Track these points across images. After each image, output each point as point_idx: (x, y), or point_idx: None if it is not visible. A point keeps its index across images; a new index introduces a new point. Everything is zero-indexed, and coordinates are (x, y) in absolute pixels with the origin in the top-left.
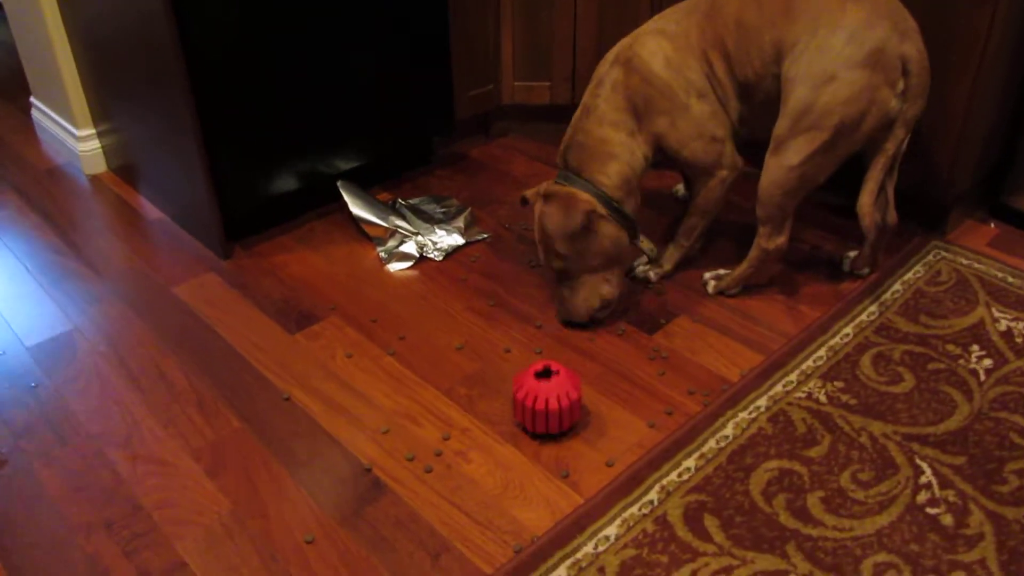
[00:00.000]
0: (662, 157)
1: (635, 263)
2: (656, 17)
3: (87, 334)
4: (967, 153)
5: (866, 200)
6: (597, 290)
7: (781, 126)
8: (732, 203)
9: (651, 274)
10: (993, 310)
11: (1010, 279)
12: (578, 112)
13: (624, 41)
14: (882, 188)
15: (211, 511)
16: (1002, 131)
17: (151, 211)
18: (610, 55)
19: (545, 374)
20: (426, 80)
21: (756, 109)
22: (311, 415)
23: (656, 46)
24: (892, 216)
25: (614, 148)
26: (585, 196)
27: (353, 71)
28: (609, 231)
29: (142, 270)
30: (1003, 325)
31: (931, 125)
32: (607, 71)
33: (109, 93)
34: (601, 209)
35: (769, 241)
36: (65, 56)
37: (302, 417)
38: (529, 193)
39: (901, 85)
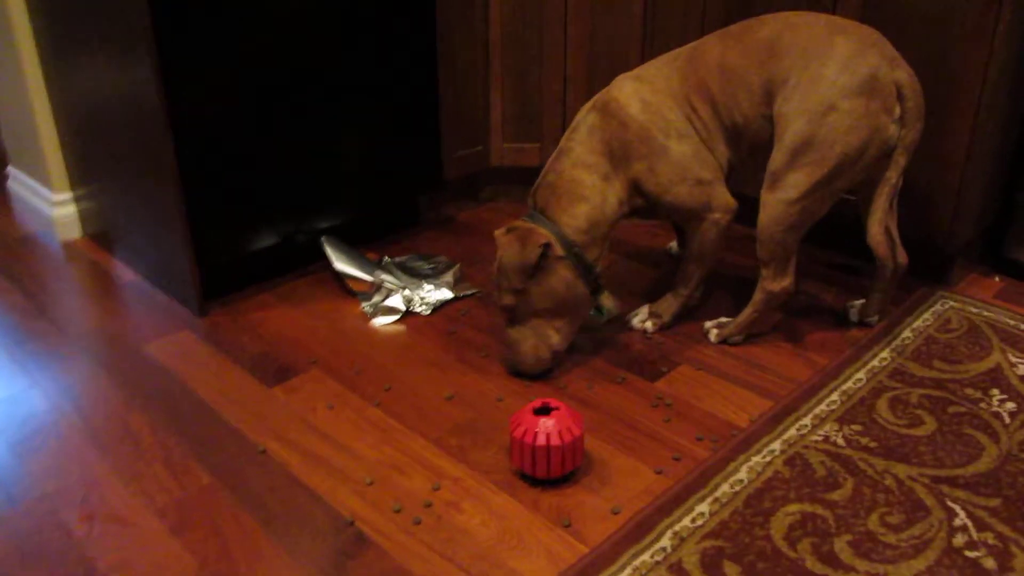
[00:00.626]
0: (645, 207)
1: (631, 314)
2: (637, 67)
3: (48, 392)
4: (968, 203)
5: (876, 230)
6: (547, 339)
7: (777, 160)
8: (728, 260)
9: (648, 325)
10: (1009, 355)
11: (1023, 326)
12: (553, 155)
13: (611, 84)
14: (886, 229)
15: (174, 571)
16: (1000, 184)
17: (125, 273)
18: (588, 103)
19: (544, 411)
20: (414, 138)
21: (744, 155)
22: (288, 468)
23: (633, 90)
24: (902, 255)
25: (584, 190)
26: (544, 232)
27: (340, 129)
28: (563, 274)
29: (112, 329)
30: (1021, 370)
31: (931, 174)
32: (584, 116)
33: (89, 157)
34: (559, 250)
35: (774, 283)
36: (46, 121)
37: (278, 471)
38: (497, 232)
39: (898, 111)
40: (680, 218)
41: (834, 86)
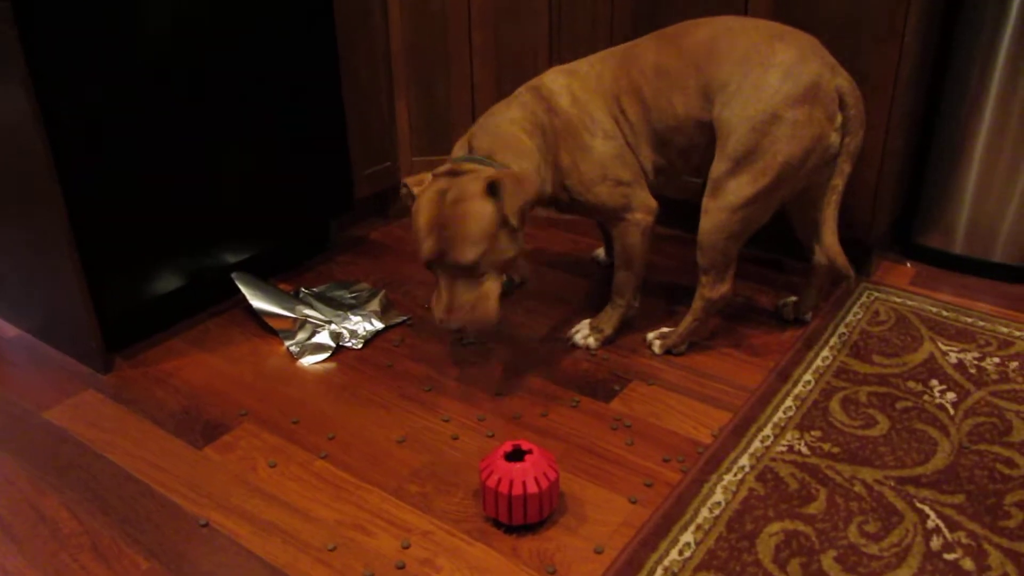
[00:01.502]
0: (566, 200)
1: (572, 331)
2: (570, 63)
3: None
4: (884, 196)
5: (831, 240)
6: (494, 293)
7: (719, 168)
8: (657, 264)
9: (591, 341)
10: (939, 344)
11: (944, 312)
12: (484, 116)
13: (536, 78)
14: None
15: None
16: (909, 173)
17: (6, 329)
18: (524, 86)
19: (516, 455)
20: (320, 159)
21: (675, 157)
22: (237, 540)
23: (565, 82)
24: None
25: (526, 150)
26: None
27: (243, 156)
28: (520, 232)
29: (1, 395)
30: (953, 358)
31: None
32: (516, 94)
33: None
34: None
35: (713, 290)
36: None
37: (227, 544)
38: (412, 180)
39: (840, 119)
40: (601, 217)
41: (777, 94)
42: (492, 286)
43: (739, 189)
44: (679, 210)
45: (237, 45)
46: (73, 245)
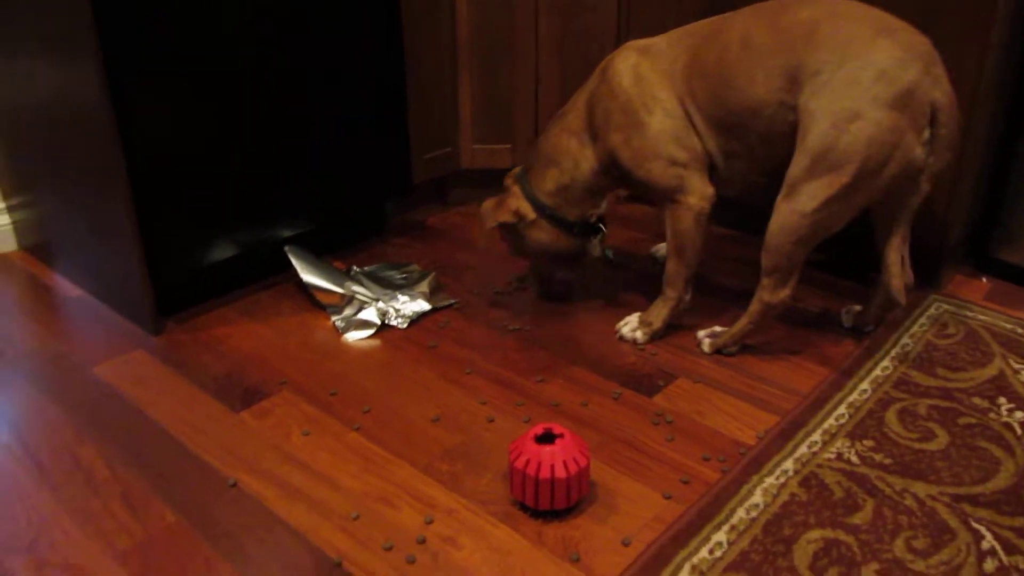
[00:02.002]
0: (619, 178)
1: (620, 324)
2: (651, 38)
3: None
4: (959, 203)
5: (893, 259)
6: (552, 277)
7: (797, 166)
8: (716, 265)
9: (638, 334)
10: (1011, 362)
11: (1019, 330)
12: (557, 114)
13: (622, 46)
14: (900, 256)
15: None
16: (986, 185)
17: (68, 289)
18: (607, 58)
19: (547, 438)
20: (381, 142)
21: (754, 142)
22: (263, 502)
23: (633, 63)
24: (908, 275)
25: (559, 156)
26: (512, 204)
27: (303, 133)
28: (537, 235)
29: (56, 350)
30: None
31: None
32: (590, 78)
33: (25, 164)
34: (530, 214)
35: (773, 294)
36: None
37: (252, 506)
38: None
39: (927, 133)
40: (653, 196)
41: (867, 93)
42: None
43: (815, 191)
44: (743, 211)
45: (305, 25)
46: (133, 214)
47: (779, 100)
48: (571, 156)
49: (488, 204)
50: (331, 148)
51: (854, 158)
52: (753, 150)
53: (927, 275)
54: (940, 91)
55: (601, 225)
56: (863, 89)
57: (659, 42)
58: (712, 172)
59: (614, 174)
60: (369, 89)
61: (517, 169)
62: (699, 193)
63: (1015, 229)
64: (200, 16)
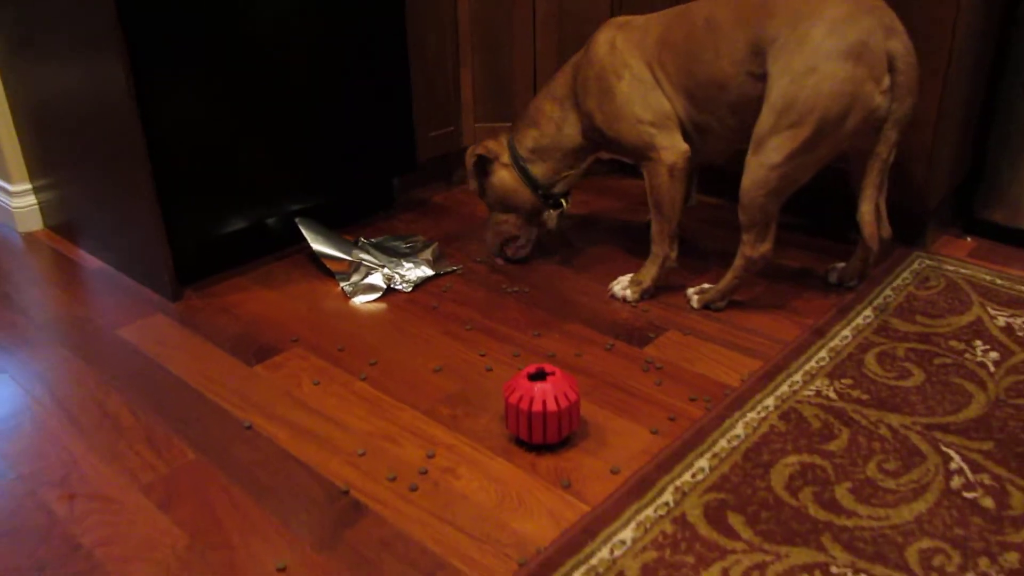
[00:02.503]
0: (600, 140)
1: (612, 283)
2: (633, 16)
3: (18, 378)
4: (940, 163)
5: (866, 208)
6: (500, 228)
7: (762, 123)
8: (706, 230)
9: (628, 292)
10: (988, 308)
11: (998, 280)
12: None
13: (606, 22)
14: (875, 206)
15: (164, 545)
16: (969, 144)
17: (91, 262)
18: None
19: (539, 376)
20: (387, 120)
21: (726, 114)
22: (276, 442)
23: (610, 36)
24: (886, 229)
25: (539, 118)
26: (491, 145)
27: (312, 111)
28: (503, 177)
29: (81, 315)
30: (1001, 321)
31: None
32: (580, 51)
33: (50, 148)
34: (505, 157)
35: (754, 248)
36: (3, 115)
37: (266, 445)
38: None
39: (887, 81)
40: (628, 155)
41: (820, 48)
42: (490, 222)
43: (779, 144)
44: (731, 181)
45: (313, 10)
46: (153, 187)
47: (745, 71)
48: (552, 120)
49: (471, 147)
50: (339, 127)
51: (814, 110)
52: (724, 121)
53: (911, 235)
54: (895, 40)
55: (564, 201)
56: (815, 45)
57: (637, 19)
58: (689, 141)
59: (594, 137)
60: (375, 70)
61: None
62: (670, 149)
63: (997, 189)
64: (214, 6)
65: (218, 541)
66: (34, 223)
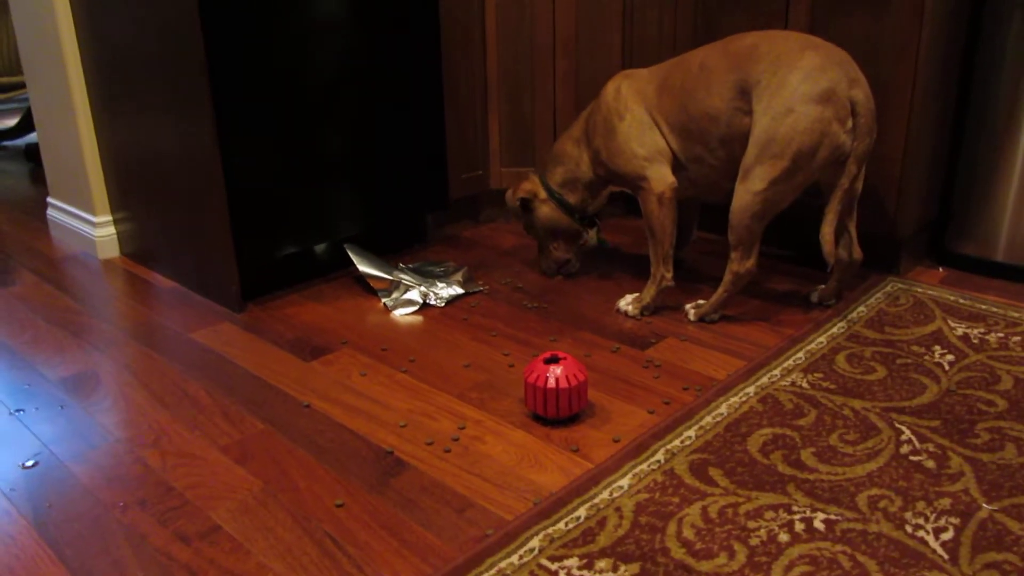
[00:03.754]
0: (605, 174)
1: (619, 300)
2: (639, 68)
3: (108, 368)
4: (908, 195)
5: (827, 230)
6: (552, 255)
7: (748, 155)
8: (704, 266)
9: (630, 308)
10: (949, 322)
11: (961, 301)
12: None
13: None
14: (845, 227)
15: (243, 489)
16: (939, 183)
17: (164, 282)
18: None
19: (553, 360)
20: (422, 161)
21: (715, 145)
22: (331, 417)
23: (618, 83)
24: (857, 252)
25: (562, 156)
26: (527, 186)
27: (357, 154)
28: (545, 210)
29: (157, 322)
30: (960, 331)
31: (876, 172)
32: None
33: (131, 186)
34: (542, 194)
35: (741, 264)
36: (92, 158)
37: (322, 419)
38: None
39: (850, 123)
40: (626, 185)
41: (796, 91)
42: (542, 250)
43: (762, 173)
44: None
45: (363, 64)
46: (228, 219)
47: (733, 107)
48: (572, 158)
49: (508, 191)
50: (382, 168)
51: (791, 144)
52: (715, 152)
53: (886, 263)
54: (857, 89)
55: (596, 219)
56: (792, 89)
57: (641, 70)
58: (681, 173)
59: (599, 171)
60: (414, 118)
61: (531, 174)
62: (659, 180)
63: (967, 224)
64: (282, 68)
65: (286, 485)
66: (112, 251)
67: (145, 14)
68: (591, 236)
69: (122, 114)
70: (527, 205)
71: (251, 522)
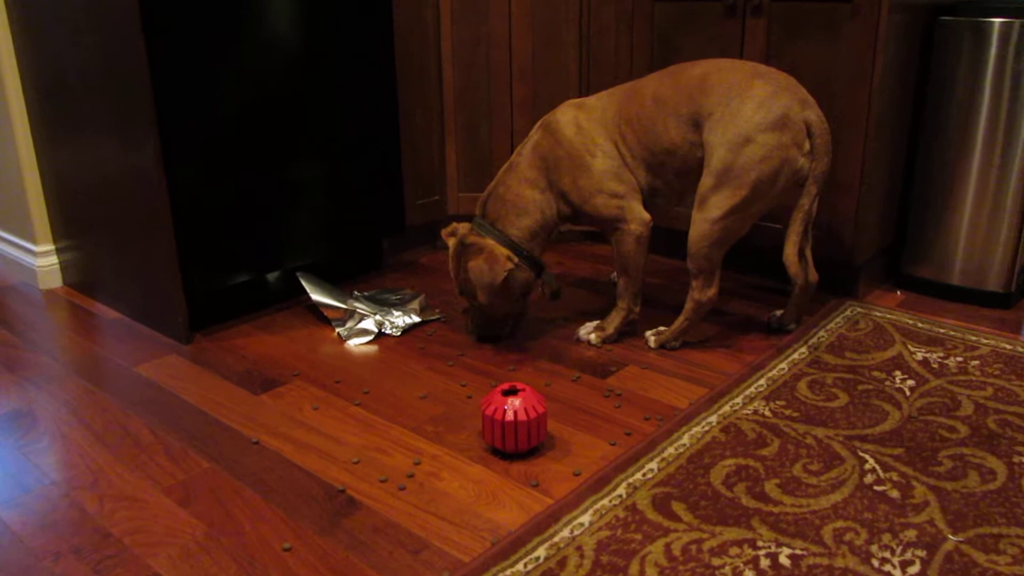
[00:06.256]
0: (571, 214)
1: (580, 328)
2: (583, 97)
3: (46, 405)
4: (865, 221)
5: (790, 251)
6: (507, 315)
7: (704, 184)
8: (663, 286)
9: (592, 337)
10: (909, 346)
11: (920, 324)
12: (504, 166)
13: (552, 111)
14: (801, 250)
15: (185, 533)
16: (895, 208)
17: (108, 313)
18: (539, 121)
19: (511, 392)
20: (378, 188)
21: (672, 179)
22: (281, 454)
23: (572, 116)
24: (813, 274)
25: (527, 205)
26: (504, 253)
27: (309, 178)
28: (520, 276)
29: (101, 355)
30: (919, 356)
31: (833, 198)
32: (532, 133)
33: (74, 214)
34: (514, 259)
35: (702, 293)
36: (34, 186)
37: (272, 456)
38: (445, 232)
39: (807, 145)
40: (599, 225)
41: (750, 121)
42: (491, 314)
43: (720, 202)
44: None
45: (317, 89)
46: (174, 246)
47: (689, 140)
48: (536, 205)
49: (478, 265)
50: (335, 193)
51: (751, 174)
52: (671, 184)
53: (844, 287)
54: (810, 111)
55: (543, 265)
56: (747, 119)
57: (590, 100)
58: (645, 205)
59: (566, 212)
60: (368, 143)
61: (460, 226)
62: (637, 220)
63: (923, 247)
64: (231, 88)
65: (231, 528)
66: (54, 281)
67: (87, 36)
68: (548, 281)
69: (65, 139)
70: (507, 277)
71: (192, 570)
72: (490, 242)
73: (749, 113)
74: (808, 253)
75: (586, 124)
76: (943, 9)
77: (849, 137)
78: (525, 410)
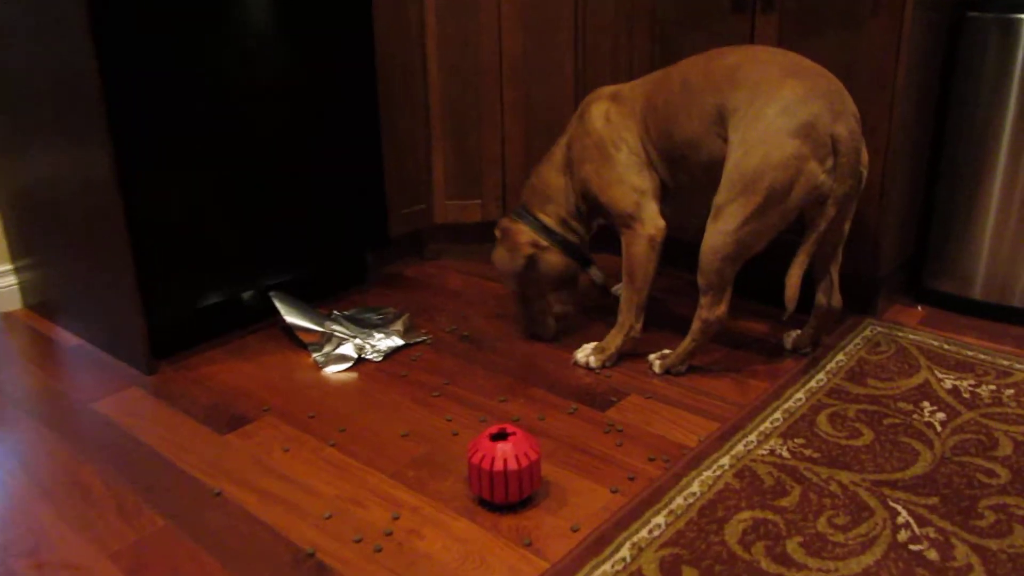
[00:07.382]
0: (592, 206)
1: (577, 351)
2: (619, 85)
3: None
4: (886, 235)
5: (794, 272)
6: (552, 310)
7: (720, 193)
8: (679, 301)
9: (591, 360)
10: (936, 372)
11: (946, 346)
12: (545, 155)
13: (595, 92)
14: (828, 272)
15: None
16: (916, 220)
17: (69, 339)
18: (584, 100)
19: (501, 436)
20: (359, 195)
21: (699, 173)
22: (245, 508)
23: (604, 108)
24: (837, 299)
25: (551, 193)
26: (527, 239)
27: (285, 189)
28: (552, 259)
29: (56, 390)
30: (948, 384)
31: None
32: (571, 122)
33: (31, 230)
34: (543, 242)
35: (711, 311)
36: None
37: (235, 510)
38: (504, 221)
39: (830, 162)
40: (614, 220)
41: (771, 126)
42: (536, 308)
43: (733, 212)
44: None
45: (287, 92)
46: (132, 265)
47: (713, 133)
48: (562, 191)
49: (500, 252)
50: (313, 204)
51: (763, 179)
52: (698, 180)
53: (863, 304)
54: (841, 125)
55: (590, 256)
56: (768, 122)
57: (624, 89)
58: (670, 202)
59: (583, 204)
60: (348, 151)
61: (504, 219)
62: (652, 222)
63: (945, 261)
64: (194, 92)
65: None
66: (13, 303)
67: (37, 46)
68: (596, 275)
69: (20, 154)
70: (532, 260)
71: None
72: (516, 227)
73: (772, 116)
74: (835, 275)
75: (615, 117)
76: (971, 4)
77: (869, 143)
78: (516, 457)
